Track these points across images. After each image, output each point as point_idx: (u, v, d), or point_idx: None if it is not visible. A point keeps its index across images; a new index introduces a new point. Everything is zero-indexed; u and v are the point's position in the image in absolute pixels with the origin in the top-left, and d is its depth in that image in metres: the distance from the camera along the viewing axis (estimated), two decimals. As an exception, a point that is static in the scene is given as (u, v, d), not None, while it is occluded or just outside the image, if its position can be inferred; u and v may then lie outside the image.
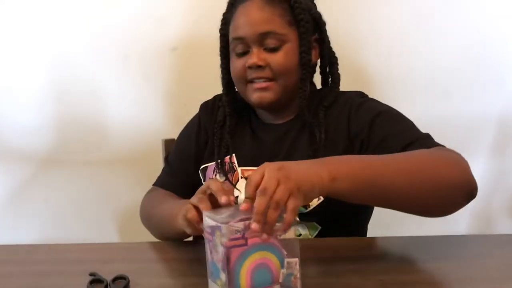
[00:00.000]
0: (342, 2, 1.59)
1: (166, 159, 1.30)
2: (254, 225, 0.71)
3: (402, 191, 0.86)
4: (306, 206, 1.04)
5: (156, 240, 1.12)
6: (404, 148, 0.98)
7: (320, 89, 1.21)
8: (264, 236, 0.71)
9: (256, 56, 1.07)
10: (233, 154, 1.16)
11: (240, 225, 0.71)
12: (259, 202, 0.72)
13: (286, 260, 0.73)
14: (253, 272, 0.73)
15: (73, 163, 1.67)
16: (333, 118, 1.11)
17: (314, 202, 1.04)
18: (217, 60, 1.17)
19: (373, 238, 1.09)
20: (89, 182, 1.68)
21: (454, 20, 1.60)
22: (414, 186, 0.86)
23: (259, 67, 1.07)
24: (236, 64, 1.11)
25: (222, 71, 1.16)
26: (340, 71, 1.19)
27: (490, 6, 1.59)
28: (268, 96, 1.09)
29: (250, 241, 0.72)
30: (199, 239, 0.99)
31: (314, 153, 1.06)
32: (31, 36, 1.61)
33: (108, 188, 1.67)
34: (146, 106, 1.64)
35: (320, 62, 1.19)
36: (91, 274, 0.85)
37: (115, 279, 0.83)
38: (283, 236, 0.74)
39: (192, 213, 0.85)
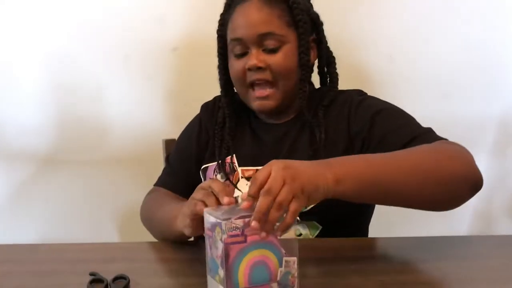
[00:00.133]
0: (343, 2, 1.59)
1: (167, 159, 1.30)
2: (254, 223, 0.71)
3: (406, 188, 0.86)
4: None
5: (156, 240, 1.12)
6: (406, 144, 0.98)
7: (319, 88, 1.21)
8: (264, 234, 0.72)
9: (255, 58, 1.07)
10: (234, 155, 1.16)
11: (240, 222, 0.72)
12: (262, 201, 0.72)
13: (284, 258, 0.74)
14: (251, 269, 0.73)
15: (73, 163, 1.67)
16: (332, 117, 1.11)
17: (315, 201, 1.04)
18: (217, 60, 1.17)
19: (374, 239, 1.09)
20: (90, 182, 1.68)
21: (454, 21, 1.60)
22: (418, 183, 0.86)
23: (259, 68, 1.07)
24: (236, 66, 1.11)
25: (219, 73, 1.16)
26: (340, 72, 1.19)
27: (490, 7, 1.59)
28: (269, 103, 1.10)
29: (249, 238, 0.72)
30: (199, 240, 0.99)
31: (314, 153, 1.06)
32: (32, 36, 1.61)
33: (109, 188, 1.67)
34: (146, 106, 1.64)
35: (318, 62, 1.19)
36: (91, 274, 0.85)
37: (116, 279, 0.83)
38: (283, 236, 0.74)
39: (201, 207, 0.84)
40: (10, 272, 0.91)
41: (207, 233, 0.76)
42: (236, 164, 1.15)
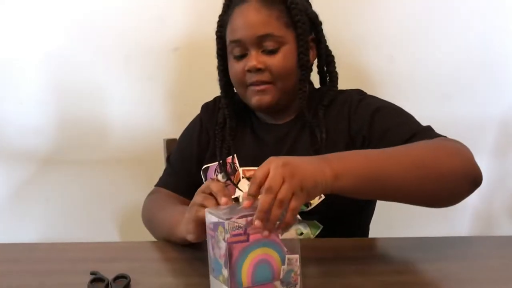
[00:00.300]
0: (344, 2, 1.59)
1: (168, 159, 1.30)
2: (257, 222, 0.71)
3: (405, 184, 0.86)
4: (307, 204, 1.05)
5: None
6: (406, 141, 0.98)
7: (319, 88, 1.21)
8: (266, 232, 0.72)
9: (254, 59, 1.07)
10: (235, 155, 1.16)
11: (242, 221, 0.72)
12: (264, 200, 0.72)
13: (287, 256, 0.74)
14: (254, 268, 0.73)
15: (74, 162, 1.67)
16: (332, 117, 1.11)
17: (315, 201, 1.04)
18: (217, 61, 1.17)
19: (374, 239, 1.09)
20: (91, 182, 1.68)
21: (454, 21, 1.60)
22: (417, 178, 0.86)
23: (258, 70, 1.07)
24: (235, 68, 1.11)
25: (219, 74, 1.16)
26: (341, 72, 1.19)
27: (490, 7, 1.59)
28: (267, 98, 1.09)
29: (251, 237, 0.72)
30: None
31: (315, 153, 1.06)
32: (32, 36, 1.61)
33: (110, 187, 1.67)
34: (147, 106, 1.64)
35: (318, 61, 1.19)
36: (92, 273, 0.85)
37: (116, 278, 0.83)
38: (284, 235, 0.74)
39: (203, 213, 0.84)
40: (10, 272, 0.91)
41: (209, 233, 0.76)
42: (237, 164, 1.15)
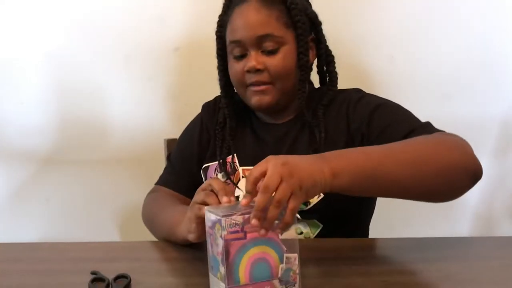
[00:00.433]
0: (344, 2, 1.59)
1: (168, 158, 1.30)
2: (254, 221, 0.71)
3: (404, 179, 0.85)
4: (306, 203, 1.05)
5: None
6: (404, 137, 0.98)
7: (318, 88, 1.22)
8: (262, 231, 0.72)
9: (254, 60, 1.07)
10: (235, 154, 1.16)
11: (240, 218, 0.72)
12: (260, 199, 0.72)
13: (285, 255, 0.74)
14: (252, 266, 0.73)
15: (75, 162, 1.67)
16: (332, 117, 1.12)
17: (315, 199, 1.04)
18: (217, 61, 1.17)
19: (374, 239, 1.09)
20: (91, 181, 1.68)
21: (454, 21, 1.60)
22: (415, 173, 0.86)
23: (257, 70, 1.08)
24: (235, 68, 1.11)
25: (219, 73, 1.16)
26: (341, 72, 1.19)
27: (490, 7, 1.59)
28: (266, 98, 1.10)
29: (249, 235, 0.73)
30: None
31: (314, 153, 1.06)
32: (32, 36, 1.61)
33: (110, 187, 1.68)
34: (148, 105, 1.64)
35: (318, 61, 1.19)
36: (92, 273, 0.85)
37: (117, 278, 0.83)
38: (284, 235, 0.75)
39: (204, 211, 0.83)
40: (11, 271, 0.92)
41: (208, 231, 0.77)
42: (237, 163, 1.15)
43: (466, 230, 1.70)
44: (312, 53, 1.15)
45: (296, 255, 0.74)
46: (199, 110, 1.28)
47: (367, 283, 0.82)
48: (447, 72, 1.62)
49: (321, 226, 1.07)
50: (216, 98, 1.26)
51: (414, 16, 1.60)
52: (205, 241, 0.78)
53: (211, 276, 0.78)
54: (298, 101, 1.11)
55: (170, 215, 1.05)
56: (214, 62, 1.17)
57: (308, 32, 1.12)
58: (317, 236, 1.07)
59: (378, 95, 1.15)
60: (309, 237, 1.07)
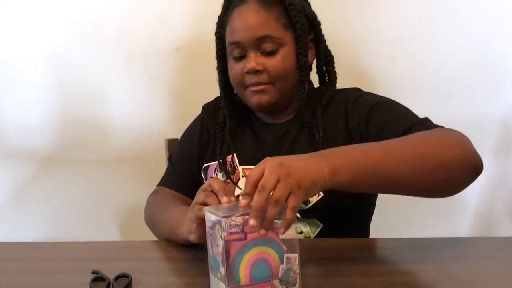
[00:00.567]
0: (344, 2, 1.59)
1: (169, 159, 1.30)
2: (252, 221, 0.71)
3: (403, 175, 0.85)
4: (306, 202, 1.05)
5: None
6: (403, 134, 0.98)
7: (318, 87, 1.22)
8: (262, 231, 0.72)
9: (253, 61, 1.08)
10: (234, 154, 1.16)
11: (240, 219, 0.72)
12: (257, 199, 0.72)
13: (285, 255, 0.74)
14: (252, 266, 0.73)
15: (75, 162, 1.67)
16: (331, 116, 1.12)
17: (314, 198, 1.04)
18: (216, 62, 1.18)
19: (374, 239, 1.09)
20: (92, 181, 1.68)
21: (454, 21, 1.60)
22: (415, 169, 0.85)
23: (257, 71, 1.08)
24: (235, 69, 1.11)
25: (219, 74, 1.17)
26: (342, 72, 1.19)
27: (491, 7, 1.59)
28: (265, 98, 1.10)
29: (249, 236, 0.73)
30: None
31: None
32: (33, 36, 1.61)
33: (111, 187, 1.68)
34: (149, 106, 1.64)
35: (317, 61, 1.19)
36: (93, 272, 0.85)
37: (118, 277, 0.83)
38: (284, 235, 0.75)
39: (204, 212, 0.84)
40: (11, 271, 0.92)
41: (208, 231, 0.77)
42: (237, 163, 1.15)
43: (466, 230, 1.70)
44: (311, 53, 1.15)
45: (296, 255, 0.74)
46: (200, 110, 1.28)
47: (367, 283, 0.82)
48: (447, 72, 1.62)
49: (321, 225, 1.07)
50: (216, 99, 1.26)
51: (414, 16, 1.60)
52: (206, 241, 0.78)
53: (211, 276, 0.78)
54: (298, 101, 1.11)
55: (171, 215, 1.05)
56: (215, 62, 1.17)
57: (307, 32, 1.12)
58: (317, 235, 1.07)
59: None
60: (309, 237, 1.07)
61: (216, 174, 1.16)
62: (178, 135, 1.31)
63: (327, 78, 1.20)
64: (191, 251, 0.96)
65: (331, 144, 1.06)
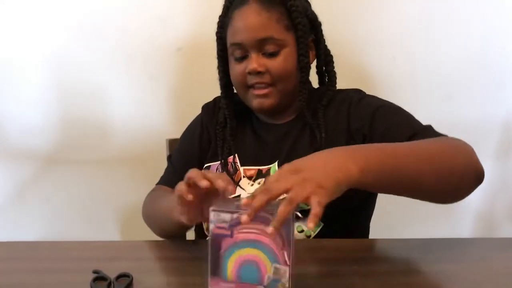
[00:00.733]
0: (345, 2, 1.59)
1: (169, 158, 1.30)
2: (245, 218, 0.70)
3: (425, 179, 0.86)
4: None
5: (160, 238, 1.12)
6: (407, 140, 0.98)
7: (318, 88, 1.22)
8: (270, 229, 0.69)
9: (255, 62, 1.08)
10: (236, 154, 1.16)
11: (228, 217, 0.72)
12: (257, 199, 0.71)
13: (274, 265, 0.73)
14: (240, 265, 0.74)
15: (76, 162, 1.67)
16: (331, 116, 1.12)
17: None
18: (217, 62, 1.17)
19: (375, 240, 1.09)
20: (92, 181, 1.68)
21: (454, 21, 1.60)
22: (434, 173, 0.86)
23: (258, 73, 1.08)
24: (236, 70, 1.11)
25: (219, 74, 1.17)
26: (343, 73, 1.19)
27: (491, 7, 1.60)
28: (268, 102, 1.10)
29: (241, 235, 0.73)
30: (201, 239, 0.99)
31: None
32: (33, 36, 1.61)
33: (111, 187, 1.68)
34: (149, 106, 1.64)
35: (316, 61, 1.20)
36: (94, 272, 0.85)
37: (119, 277, 0.83)
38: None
39: (181, 186, 0.84)
40: (12, 270, 0.91)
41: (209, 227, 0.77)
42: (238, 163, 1.15)
43: (467, 231, 1.70)
44: (312, 54, 1.15)
45: (286, 268, 0.72)
46: (200, 110, 1.28)
47: (367, 283, 0.82)
48: (447, 72, 1.62)
49: (322, 224, 1.07)
50: (216, 99, 1.26)
51: (415, 17, 1.60)
52: (205, 239, 0.78)
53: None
54: (299, 102, 1.12)
55: (166, 200, 1.04)
56: (216, 62, 1.17)
57: (308, 33, 1.12)
58: (318, 234, 1.07)
59: (379, 96, 1.15)
60: (310, 235, 1.07)
61: (216, 174, 1.16)
62: (178, 135, 1.31)
63: (326, 78, 1.20)
64: (192, 251, 0.96)
65: (333, 144, 1.06)
